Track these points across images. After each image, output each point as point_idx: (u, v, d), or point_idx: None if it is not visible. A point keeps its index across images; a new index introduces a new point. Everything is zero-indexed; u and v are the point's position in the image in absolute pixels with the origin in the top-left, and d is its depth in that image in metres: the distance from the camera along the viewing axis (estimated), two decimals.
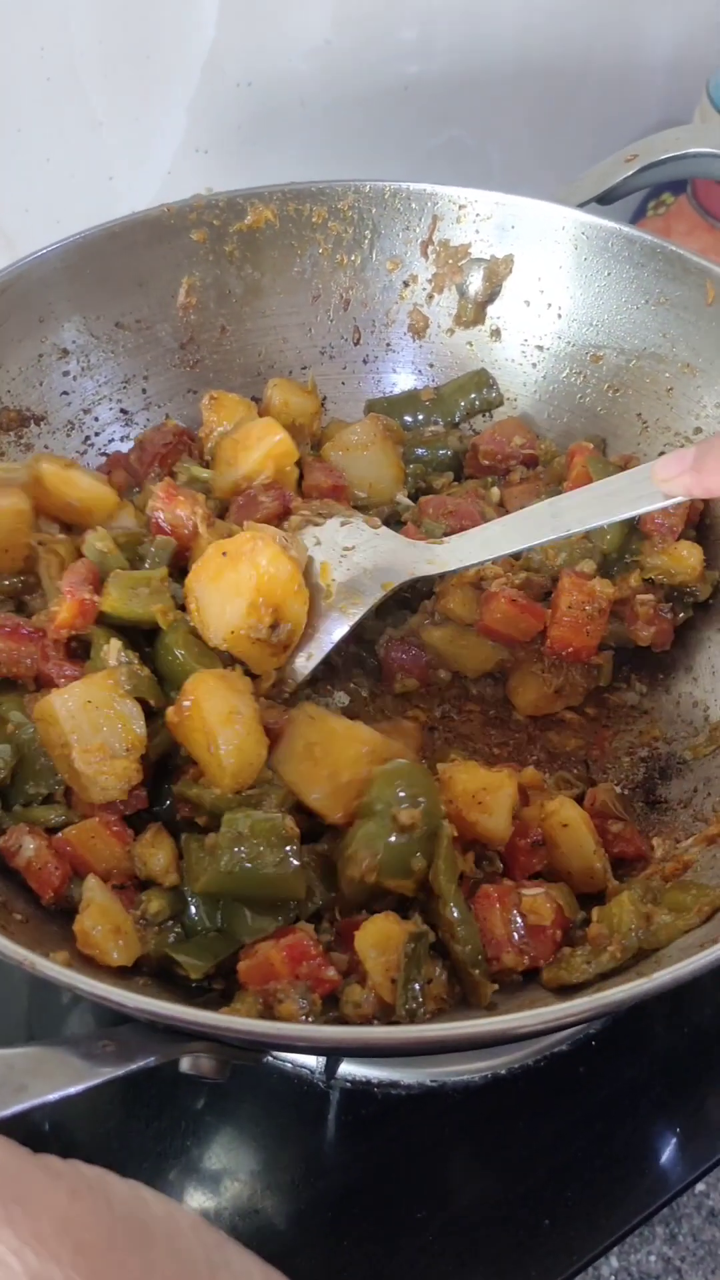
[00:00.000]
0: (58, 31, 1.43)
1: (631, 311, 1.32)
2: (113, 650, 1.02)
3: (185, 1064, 0.80)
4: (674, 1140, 1.05)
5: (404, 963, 0.92)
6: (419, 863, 0.97)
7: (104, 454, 1.34)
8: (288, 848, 0.94)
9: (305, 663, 1.11)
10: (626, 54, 1.92)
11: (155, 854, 0.98)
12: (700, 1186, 1.04)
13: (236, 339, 1.41)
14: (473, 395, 1.42)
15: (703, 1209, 1.04)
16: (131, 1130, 1.05)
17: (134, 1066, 0.74)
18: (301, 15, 1.59)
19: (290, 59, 1.62)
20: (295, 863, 0.94)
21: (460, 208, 1.38)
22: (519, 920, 0.97)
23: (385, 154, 1.47)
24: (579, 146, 1.97)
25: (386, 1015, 0.92)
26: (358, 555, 1.13)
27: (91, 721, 0.97)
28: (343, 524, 1.16)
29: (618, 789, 1.16)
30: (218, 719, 0.99)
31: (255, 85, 1.62)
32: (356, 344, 1.45)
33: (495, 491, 1.33)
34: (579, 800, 1.10)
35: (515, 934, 0.97)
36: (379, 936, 0.93)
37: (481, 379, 1.42)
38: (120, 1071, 0.74)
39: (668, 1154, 1.04)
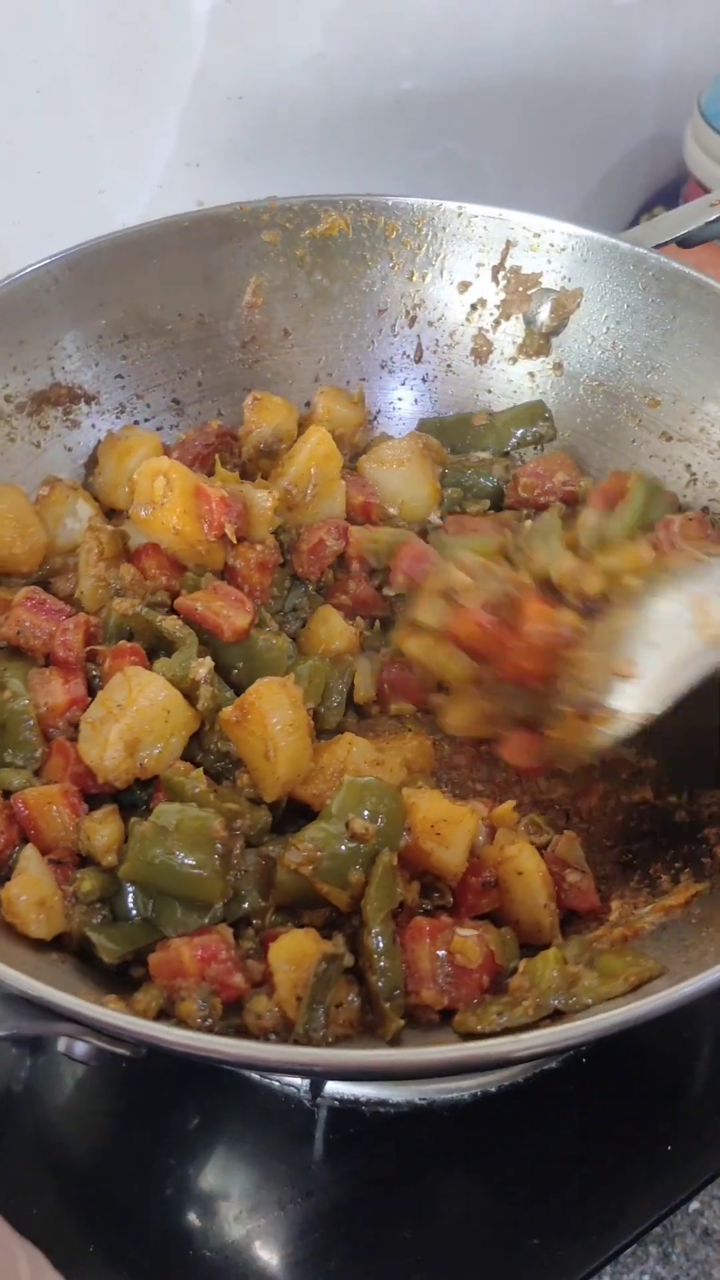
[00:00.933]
0: (49, 44, 1.45)
1: (694, 359, 1.28)
2: (205, 666, 1.06)
3: (61, 1044, 0.80)
4: (666, 1157, 1.03)
5: (313, 982, 0.91)
6: (357, 875, 0.96)
7: None
8: (216, 848, 0.94)
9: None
10: (620, 68, 1.88)
11: (100, 831, 0.99)
12: (694, 1205, 1.02)
13: (298, 343, 1.41)
14: (527, 426, 1.39)
15: (696, 1227, 1.01)
16: (124, 1148, 1.06)
17: None
18: (293, 27, 1.58)
19: (282, 72, 1.61)
20: (218, 864, 0.93)
21: (535, 236, 1.36)
22: (446, 959, 0.95)
23: (379, 167, 1.46)
24: (573, 160, 1.95)
25: (286, 1032, 0.91)
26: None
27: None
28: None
29: (606, 842, 1.13)
30: (279, 729, 1.02)
31: (246, 98, 1.61)
32: (418, 361, 1.44)
33: (528, 524, 1.30)
34: (545, 848, 1.07)
35: (440, 972, 0.95)
36: (293, 952, 0.92)
37: (537, 411, 1.39)
38: None
39: (660, 1171, 1.03)
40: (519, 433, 1.39)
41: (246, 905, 0.98)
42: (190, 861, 0.93)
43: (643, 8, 1.84)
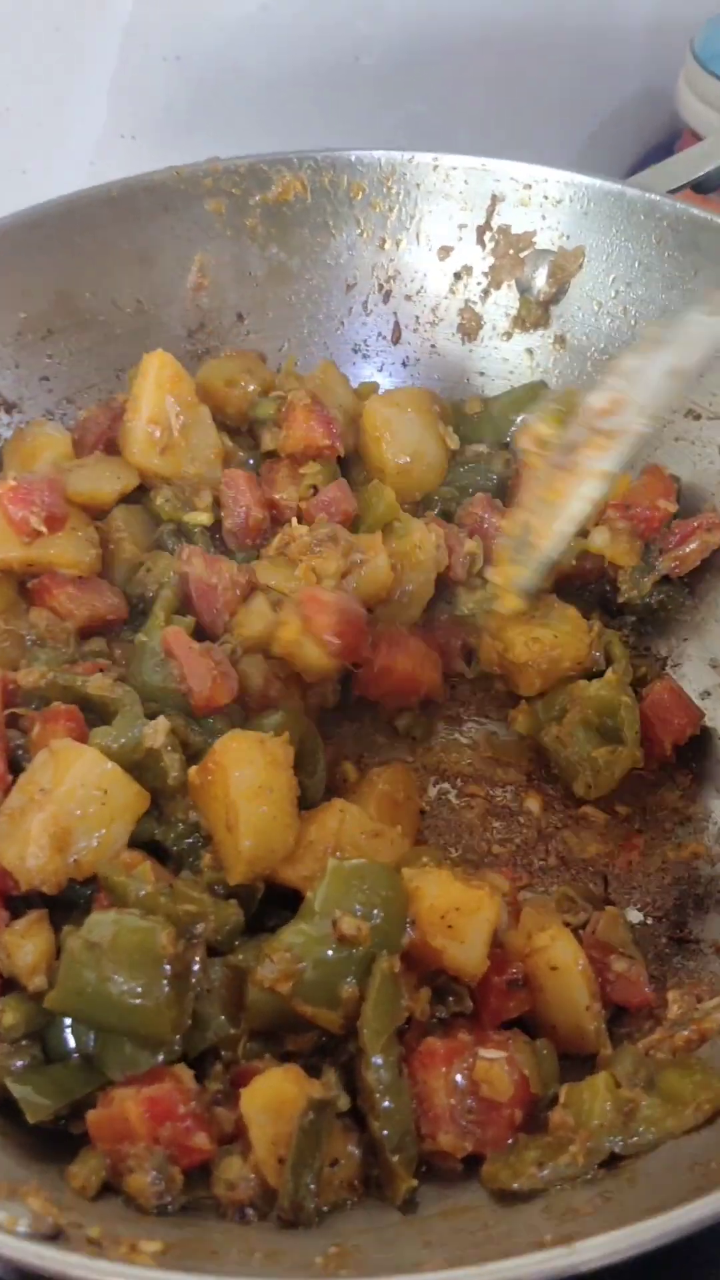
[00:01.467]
0: None
1: None
2: (162, 730, 0.88)
3: None
4: None
5: (298, 1139, 0.71)
6: (349, 990, 0.76)
7: None
8: (164, 969, 0.73)
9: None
10: (602, 17, 1.68)
11: (23, 946, 0.79)
12: None
13: (255, 329, 1.22)
14: (529, 411, 1.19)
15: None
16: None
17: None
18: None
19: (222, 27, 1.42)
20: (167, 989, 0.73)
21: (525, 188, 1.17)
22: (468, 1091, 0.75)
23: (337, 132, 1.28)
24: (554, 119, 1.75)
25: (267, 1204, 0.71)
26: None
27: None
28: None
29: (639, 916, 0.93)
30: (243, 791, 0.84)
31: (184, 59, 1.42)
32: (396, 343, 1.24)
33: None
34: (582, 929, 0.87)
35: (461, 1109, 0.75)
36: (272, 1099, 0.73)
37: (539, 392, 1.19)
38: None
39: None
40: (520, 419, 1.18)
41: (212, 1034, 0.78)
42: (130, 988, 0.73)
43: None
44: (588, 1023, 0.81)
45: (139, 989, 0.72)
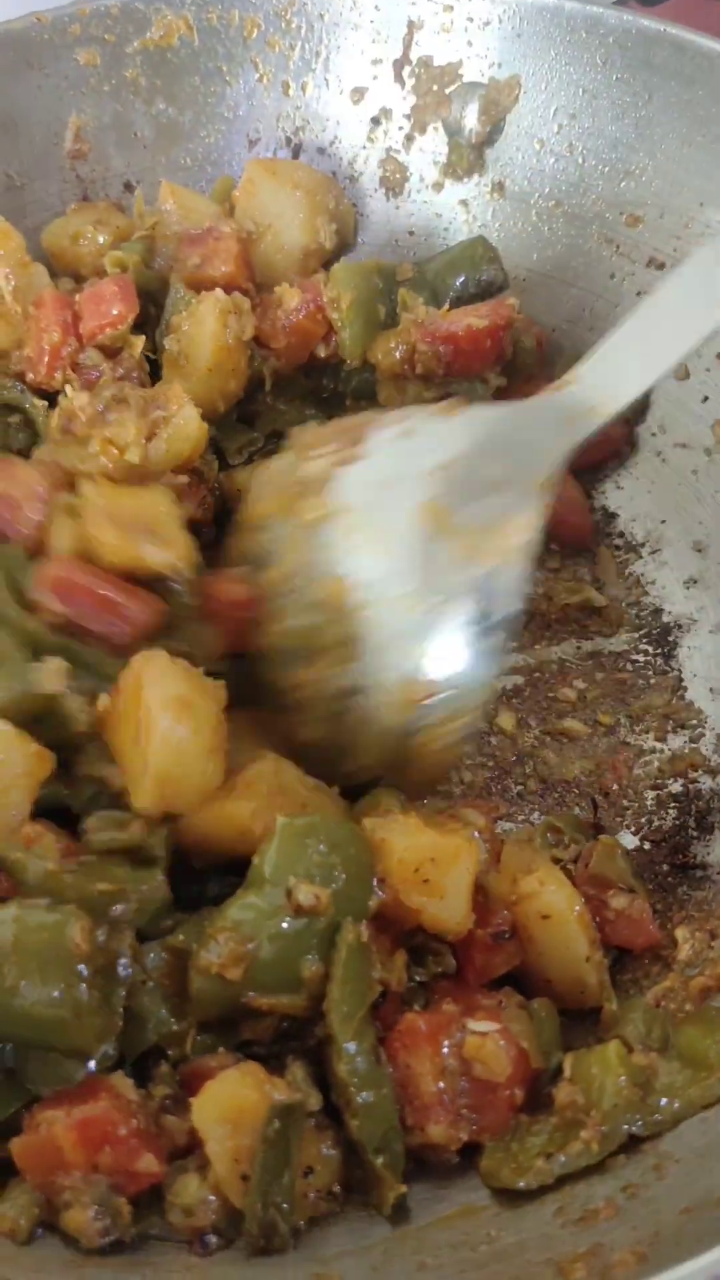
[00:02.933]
0: None
1: (683, 151, 0.98)
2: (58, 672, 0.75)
3: None
4: None
5: (263, 1152, 0.60)
6: (312, 969, 0.65)
7: None
8: (79, 970, 0.61)
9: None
10: None
11: None
12: None
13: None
14: (468, 272, 1.05)
15: None
16: None
17: None
18: None
19: None
20: (86, 992, 0.61)
21: (447, 10, 1.05)
22: (459, 1072, 0.65)
23: None
24: None
25: (233, 1228, 0.61)
26: (464, 467, 0.77)
27: None
28: (405, 435, 0.80)
29: (634, 841, 0.82)
30: (159, 702, 0.71)
31: None
32: None
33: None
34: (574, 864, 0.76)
35: (452, 1093, 0.65)
36: (228, 1107, 0.62)
37: (478, 250, 1.05)
38: None
39: None
40: (459, 282, 1.05)
41: (152, 1031, 0.66)
42: (42, 996, 0.61)
43: None
44: (589, 975, 0.71)
45: (53, 996, 0.61)
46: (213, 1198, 0.61)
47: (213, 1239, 0.61)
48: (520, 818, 0.86)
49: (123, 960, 0.66)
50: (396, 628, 0.75)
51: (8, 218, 1.02)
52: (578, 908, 0.72)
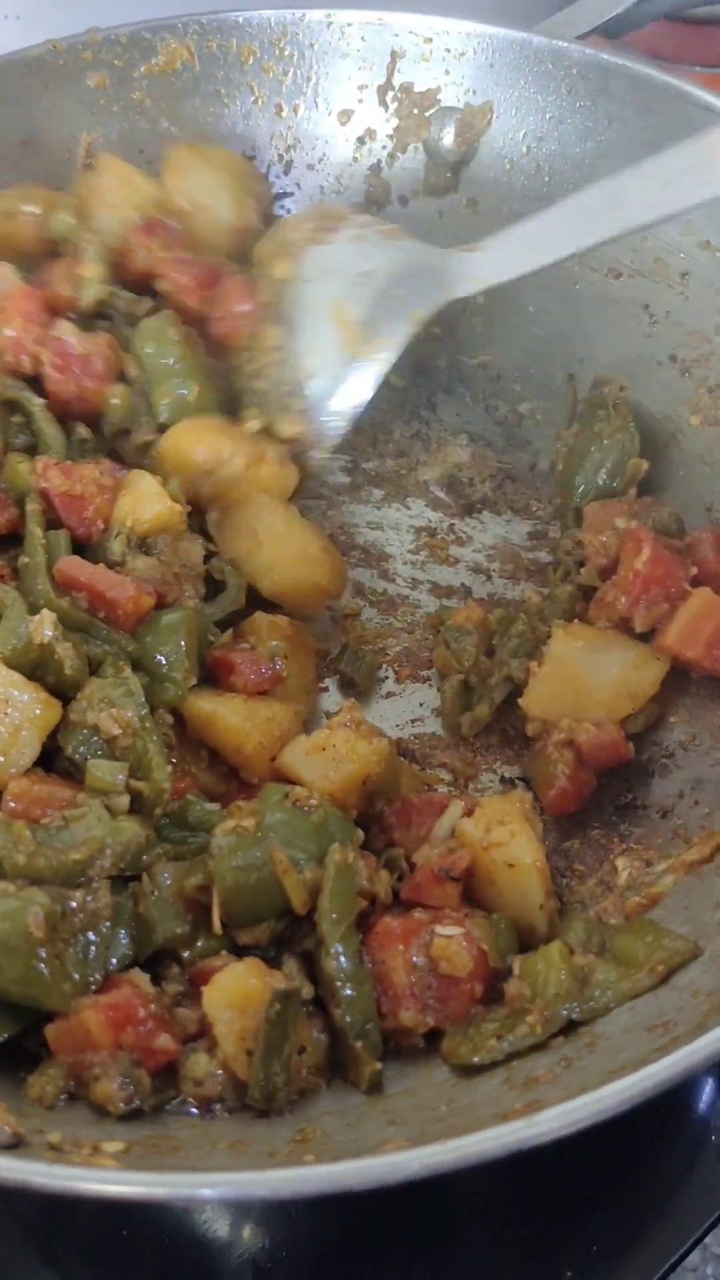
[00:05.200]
0: None
1: None
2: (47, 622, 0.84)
3: None
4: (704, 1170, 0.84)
5: (265, 1030, 0.70)
6: (313, 871, 0.76)
7: None
8: (38, 953, 0.71)
9: (336, 424, 1.00)
10: None
11: None
12: None
13: None
14: None
15: None
16: None
17: None
18: None
19: None
20: (46, 970, 0.71)
21: (426, 41, 1.13)
22: (427, 969, 0.75)
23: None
24: None
25: (237, 1097, 0.71)
26: (378, 280, 0.99)
27: None
28: (354, 239, 1.02)
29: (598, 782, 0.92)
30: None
31: None
32: None
33: None
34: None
35: (420, 985, 0.75)
36: (235, 994, 0.72)
37: None
38: None
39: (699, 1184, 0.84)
40: None
41: (160, 936, 0.77)
42: (11, 976, 0.70)
43: None
44: (540, 922, 0.81)
45: (20, 974, 0.70)
46: (220, 1072, 0.71)
47: (219, 1106, 0.71)
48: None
49: (90, 935, 0.74)
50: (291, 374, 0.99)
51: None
52: (539, 862, 0.80)
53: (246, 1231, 0.78)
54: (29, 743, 0.80)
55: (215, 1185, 0.57)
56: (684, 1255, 0.81)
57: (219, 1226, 0.78)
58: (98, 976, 0.73)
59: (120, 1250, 0.79)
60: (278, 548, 0.96)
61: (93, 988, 0.73)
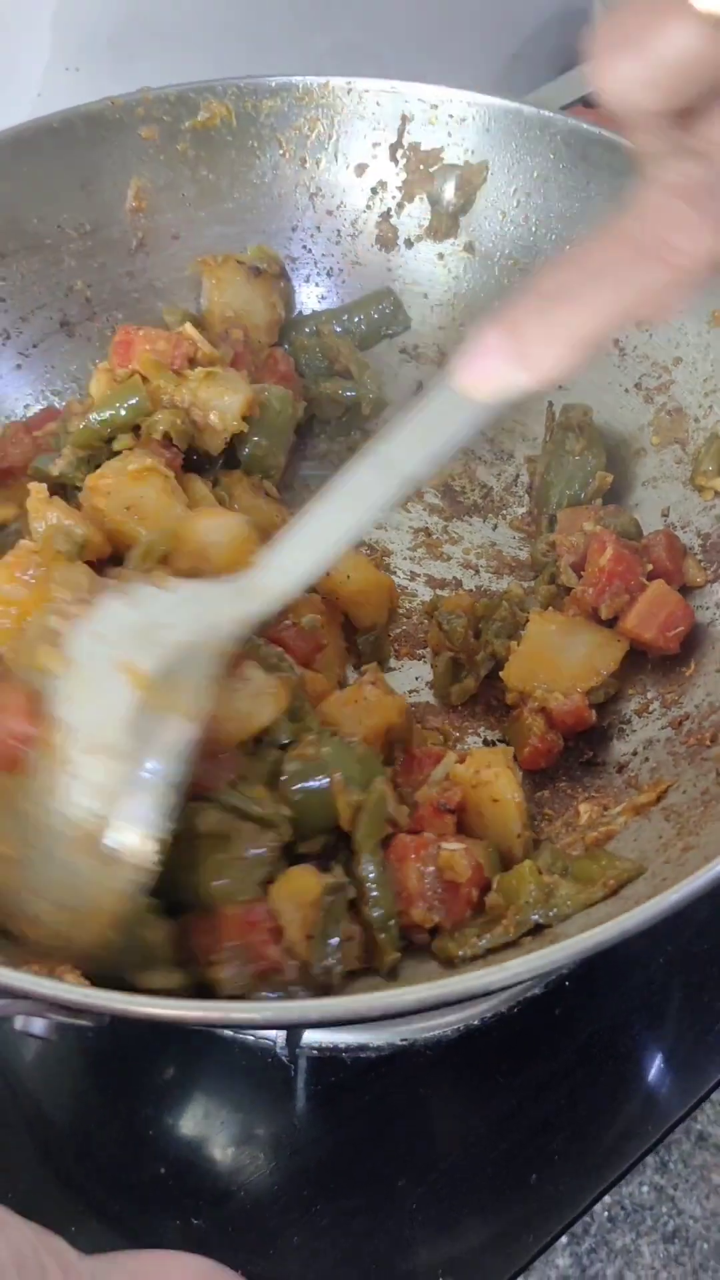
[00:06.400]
0: None
1: None
2: None
3: (17, 1023, 0.74)
4: (660, 1075, 1.01)
5: (321, 917, 0.87)
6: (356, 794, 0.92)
7: (41, 365, 1.26)
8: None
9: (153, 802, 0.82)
10: None
11: None
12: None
13: (190, 247, 1.31)
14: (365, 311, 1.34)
15: (690, 1133, 0.99)
16: (98, 1118, 1.00)
17: None
18: None
19: None
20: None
21: (433, 108, 1.28)
22: (435, 876, 0.92)
23: (273, 59, 1.35)
24: (475, 41, 1.84)
25: (303, 974, 0.87)
26: (163, 632, 0.87)
27: None
28: (122, 597, 0.90)
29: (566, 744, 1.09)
30: None
31: None
32: (323, 256, 1.36)
33: None
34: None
35: (428, 889, 0.92)
36: (296, 890, 0.88)
37: (383, 299, 1.34)
38: None
39: (655, 1090, 1.01)
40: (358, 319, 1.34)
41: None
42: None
43: None
44: (517, 848, 0.97)
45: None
46: (293, 962, 0.86)
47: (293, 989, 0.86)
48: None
49: None
50: (92, 774, 0.81)
51: (80, 259, 1.25)
52: (518, 798, 0.97)
53: None
54: None
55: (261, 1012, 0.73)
56: None
57: None
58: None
59: None
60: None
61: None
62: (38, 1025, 0.73)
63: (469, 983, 0.71)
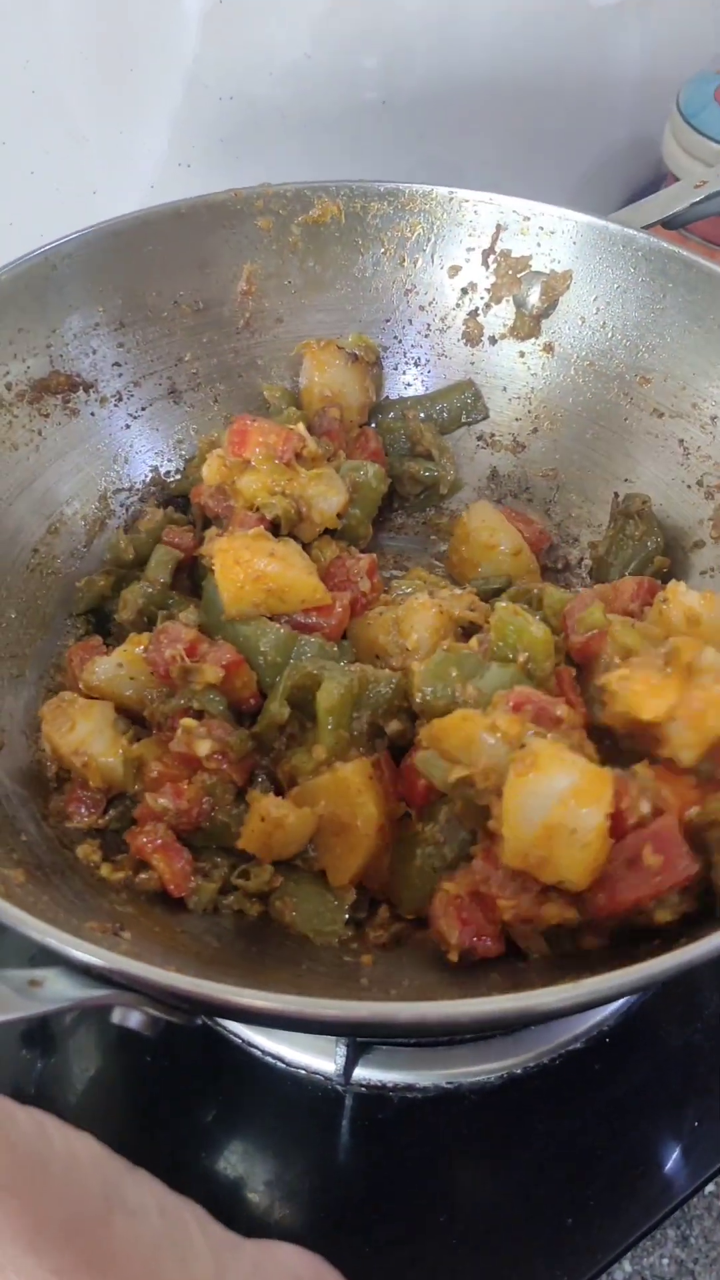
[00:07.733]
0: (41, 44, 1.44)
1: (684, 336, 1.30)
2: None
3: (116, 1015, 0.80)
4: (694, 1134, 1.04)
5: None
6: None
7: (147, 427, 1.36)
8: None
9: None
10: (597, 69, 1.92)
11: None
12: (710, 1188, 1.03)
13: (292, 330, 1.42)
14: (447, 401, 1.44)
15: (713, 1210, 1.03)
16: (144, 1145, 0.95)
17: (51, 1008, 0.75)
18: (282, 30, 1.59)
19: (271, 73, 1.62)
20: None
21: (525, 219, 1.38)
22: None
23: (365, 170, 1.47)
24: (551, 162, 1.99)
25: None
26: None
27: None
28: None
29: None
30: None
31: (237, 99, 1.62)
32: (411, 345, 1.46)
33: None
34: None
35: None
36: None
37: (464, 390, 1.44)
38: (39, 1011, 0.74)
39: (690, 1148, 1.04)
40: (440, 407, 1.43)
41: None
42: None
43: (619, 9, 1.87)
44: None
45: None
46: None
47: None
48: None
49: None
50: None
51: (191, 333, 1.36)
52: None
53: None
54: None
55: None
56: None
57: None
58: None
59: None
60: None
61: None
62: (134, 1019, 0.78)
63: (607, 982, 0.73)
